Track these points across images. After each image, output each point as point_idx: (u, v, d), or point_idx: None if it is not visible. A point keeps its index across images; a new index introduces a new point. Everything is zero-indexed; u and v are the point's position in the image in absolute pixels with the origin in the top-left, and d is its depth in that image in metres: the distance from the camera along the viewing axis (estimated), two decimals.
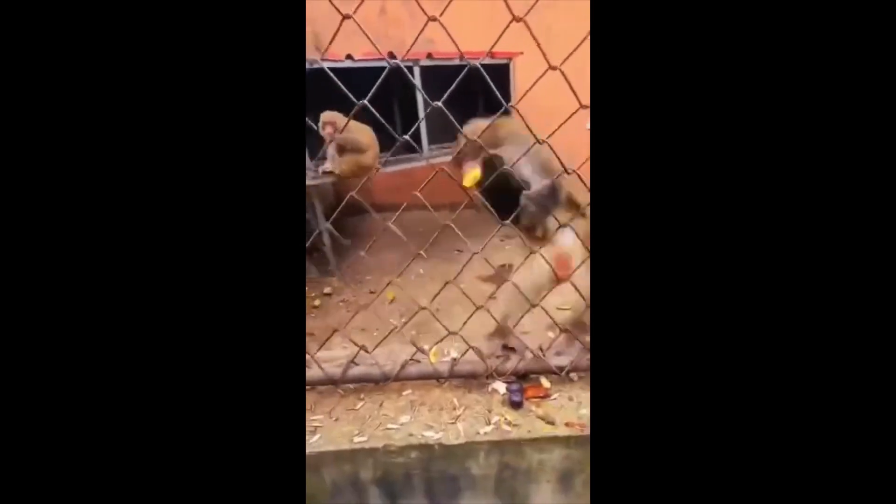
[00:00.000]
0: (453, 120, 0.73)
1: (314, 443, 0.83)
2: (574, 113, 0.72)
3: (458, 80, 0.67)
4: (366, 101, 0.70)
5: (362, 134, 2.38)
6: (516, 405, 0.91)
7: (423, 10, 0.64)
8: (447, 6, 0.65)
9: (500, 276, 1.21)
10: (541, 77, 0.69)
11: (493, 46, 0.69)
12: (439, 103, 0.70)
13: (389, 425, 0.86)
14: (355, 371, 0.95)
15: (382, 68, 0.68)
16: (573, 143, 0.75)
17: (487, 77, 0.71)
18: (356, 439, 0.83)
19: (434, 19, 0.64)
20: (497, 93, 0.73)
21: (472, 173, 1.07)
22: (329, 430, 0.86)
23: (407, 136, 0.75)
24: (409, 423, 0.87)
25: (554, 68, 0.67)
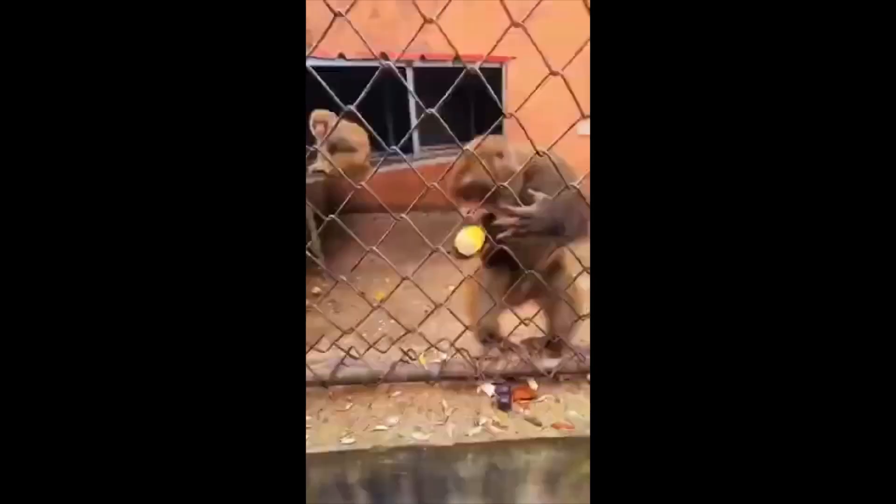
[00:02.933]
0: (450, 131, 0.72)
1: None
2: (575, 123, 0.72)
3: (454, 84, 0.67)
4: (352, 107, 0.69)
5: (354, 133, 2.37)
6: (504, 407, 0.92)
7: (420, 11, 0.64)
8: (444, 8, 0.65)
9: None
10: (542, 82, 0.69)
11: (492, 50, 0.69)
12: (433, 111, 0.70)
13: (378, 427, 0.85)
14: (345, 372, 0.94)
15: (375, 68, 0.67)
16: (568, 152, 0.76)
17: (485, 81, 0.71)
18: (344, 440, 0.82)
19: (430, 21, 0.64)
20: (494, 97, 0.74)
21: (471, 237, 0.81)
22: (317, 431, 0.85)
23: (396, 147, 0.75)
24: (397, 424, 0.86)
25: (555, 73, 0.67)
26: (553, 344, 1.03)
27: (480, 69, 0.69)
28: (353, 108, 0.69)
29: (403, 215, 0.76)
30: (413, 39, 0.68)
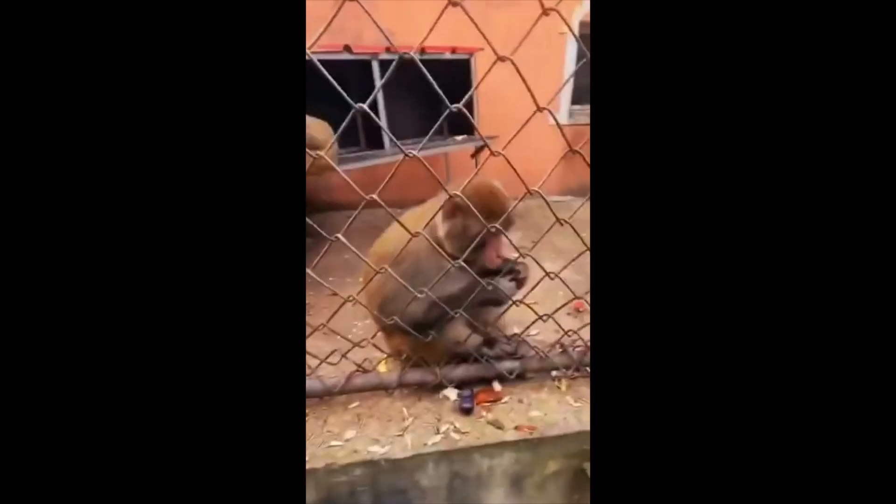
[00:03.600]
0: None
1: None
2: (535, 113, 0.69)
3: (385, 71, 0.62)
4: (364, 106, 0.63)
5: (318, 130, 2.28)
6: (466, 411, 0.90)
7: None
8: None
9: None
10: (490, 67, 0.64)
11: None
12: (363, 106, 0.65)
13: (333, 442, 0.82)
14: None
15: (339, 61, 0.62)
16: (533, 145, 0.72)
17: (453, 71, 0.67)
18: None
19: None
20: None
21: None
22: None
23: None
24: (354, 438, 0.83)
25: (503, 59, 0.63)
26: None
27: (450, 60, 0.65)
28: (364, 107, 0.63)
29: (339, 235, 0.71)
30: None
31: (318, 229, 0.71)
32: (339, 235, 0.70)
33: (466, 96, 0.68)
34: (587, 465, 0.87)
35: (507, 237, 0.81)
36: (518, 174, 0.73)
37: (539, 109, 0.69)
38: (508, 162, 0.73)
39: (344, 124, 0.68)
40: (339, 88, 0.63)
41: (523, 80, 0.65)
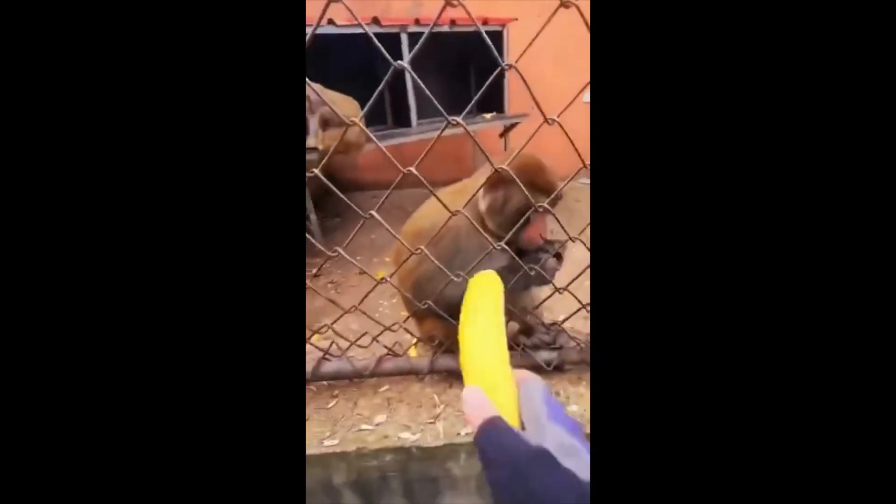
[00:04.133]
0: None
1: None
2: (582, 90, 0.62)
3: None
4: (404, 63, 0.57)
5: (346, 106, 2.24)
6: None
7: None
8: None
9: None
10: (535, 38, 0.58)
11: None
12: (403, 63, 0.59)
13: (363, 426, 0.80)
14: (328, 368, 0.88)
15: (367, 35, 0.56)
16: (570, 122, 0.65)
17: (487, 40, 0.59)
18: (326, 442, 0.77)
19: None
20: (495, 53, 0.62)
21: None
22: None
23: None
24: (384, 423, 0.81)
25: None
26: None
27: (479, 32, 0.58)
28: (405, 64, 0.57)
29: (373, 213, 0.66)
30: None
31: (353, 205, 0.66)
32: (374, 212, 0.65)
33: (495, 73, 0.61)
34: None
35: (553, 216, 0.74)
36: (576, 148, 0.66)
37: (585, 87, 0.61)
38: (566, 133, 0.65)
39: (372, 101, 0.62)
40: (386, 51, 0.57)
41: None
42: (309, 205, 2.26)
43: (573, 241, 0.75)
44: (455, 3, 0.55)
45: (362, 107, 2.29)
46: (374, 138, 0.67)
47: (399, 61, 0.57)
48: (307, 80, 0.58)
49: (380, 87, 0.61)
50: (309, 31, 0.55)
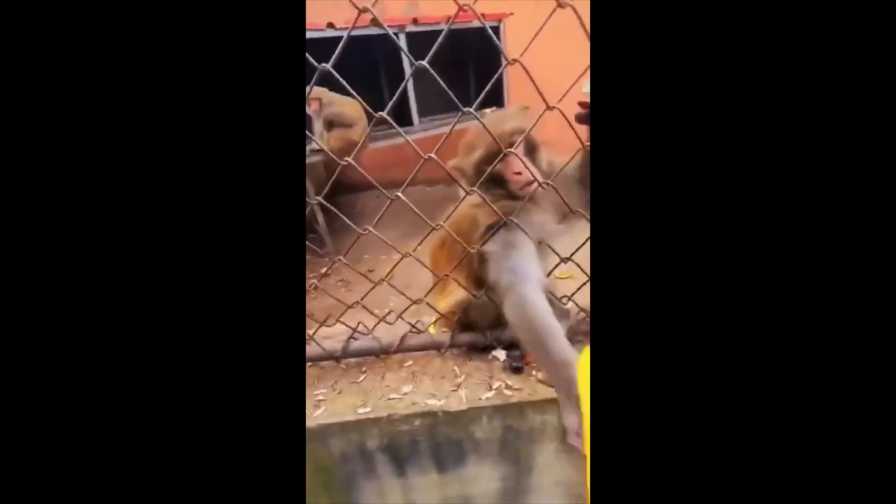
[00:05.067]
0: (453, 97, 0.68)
1: (318, 416, 0.84)
2: (580, 76, 0.67)
3: (440, 39, 0.62)
4: (425, 63, 0.64)
5: (349, 107, 2.30)
6: (517, 370, 0.92)
7: None
8: None
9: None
10: (537, 33, 0.64)
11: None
12: (424, 63, 0.65)
13: (392, 395, 0.87)
14: (356, 345, 0.95)
15: (366, 37, 0.63)
16: (568, 109, 0.71)
17: (491, 35, 0.65)
18: (360, 410, 0.84)
19: None
20: (499, 46, 0.68)
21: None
22: (333, 402, 0.87)
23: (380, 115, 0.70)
24: (411, 392, 0.88)
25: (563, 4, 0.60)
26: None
27: (478, 28, 0.64)
28: (425, 63, 0.64)
29: (399, 194, 0.73)
30: None
31: (345, 218, 0.72)
32: (370, 227, 0.71)
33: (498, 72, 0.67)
34: None
35: (520, 159, 0.79)
36: (575, 131, 0.72)
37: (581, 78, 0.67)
38: (565, 117, 0.72)
39: (394, 99, 0.69)
40: (403, 51, 0.64)
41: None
42: (316, 208, 2.33)
43: (574, 213, 0.80)
44: (462, 3, 0.61)
45: (365, 107, 2.36)
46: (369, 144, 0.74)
47: (420, 61, 0.63)
48: (312, 84, 0.64)
49: (402, 86, 0.68)
50: (312, 35, 0.61)
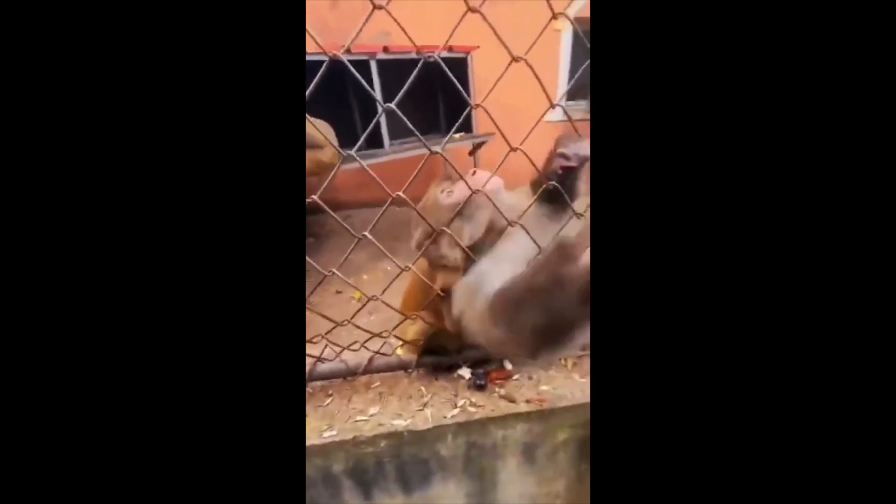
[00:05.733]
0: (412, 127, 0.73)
1: None
2: (546, 112, 0.72)
3: (412, 75, 0.67)
4: (392, 105, 0.67)
5: (318, 129, 2.33)
6: (480, 388, 0.96)
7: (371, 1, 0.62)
8: None
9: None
10: (507, 69, 0.68)
11: (449, 38, 0.67)
12: (392, 105, 0.70)
13: (359, 417, 0.88)
14: (322, 368, 0.96)
15: (337, 62, 0.66)
16: (534, 144, 0.76)
17: (448, 71, 0.71)
18: (326, 434, 0.84)
19: (380, 7, 0.60)
20: (460, 88, 0.73)
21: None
22: None
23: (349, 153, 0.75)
24: (378, 413, 0.89)
25: (517, 59, 0.66)
26: None
27: (446, 58, 0.67)
28: (392, 106, 0.67)
29: (366, 233, 0.76)
30: (362, 28, 0.65)
31: (345, 225, 0.76)
32: (367, 233, 0.75)
33: (479, 101, 0.74)
34: None
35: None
36: (537, 168, 0.78)
37: (552, 105, 0.74)
38: (526, 155, 0.77)
39: (367, 132, 0.73)
40: (368, 88, 0.68)
41: (537, 77, 0.70)
42: None
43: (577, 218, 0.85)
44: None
45: (335, 130, 2.39)
46: (359, 160, 0.78)
47: (388, 104, 0.68)
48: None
49: (374, 121, 0.72)
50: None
